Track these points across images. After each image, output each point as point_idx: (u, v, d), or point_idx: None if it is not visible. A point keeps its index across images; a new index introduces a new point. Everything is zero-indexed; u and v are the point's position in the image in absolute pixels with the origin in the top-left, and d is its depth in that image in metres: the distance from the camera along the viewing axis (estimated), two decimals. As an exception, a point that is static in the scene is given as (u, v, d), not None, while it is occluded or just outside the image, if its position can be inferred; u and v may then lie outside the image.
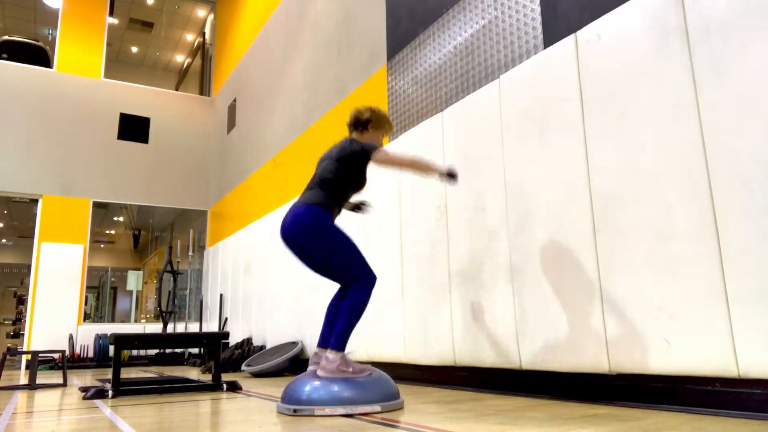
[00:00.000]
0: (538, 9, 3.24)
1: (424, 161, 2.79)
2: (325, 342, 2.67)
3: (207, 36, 12.14)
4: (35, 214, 9.00)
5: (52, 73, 9.53)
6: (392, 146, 4.34)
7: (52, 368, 7.96)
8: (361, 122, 2.94)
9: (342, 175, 2.76)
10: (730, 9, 2.17)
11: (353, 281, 2.67)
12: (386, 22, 4.87)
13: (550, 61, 2.99)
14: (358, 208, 3.12)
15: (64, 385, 4.86)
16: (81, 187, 9.23)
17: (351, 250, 2.69)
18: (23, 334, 8.80)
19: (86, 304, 9.75)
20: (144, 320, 14.69)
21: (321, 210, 2.67)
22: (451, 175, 2.75)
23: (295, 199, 2.86)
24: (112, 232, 17.08)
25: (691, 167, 2.24)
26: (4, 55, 9.48)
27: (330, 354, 2.56)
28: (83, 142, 9.39)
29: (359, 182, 2.83)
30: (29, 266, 9.08)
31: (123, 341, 3.87)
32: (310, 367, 2.66)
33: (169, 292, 8.78)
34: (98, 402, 3.32)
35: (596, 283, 2.59)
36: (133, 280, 12.07)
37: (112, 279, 14.96)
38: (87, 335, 8.68)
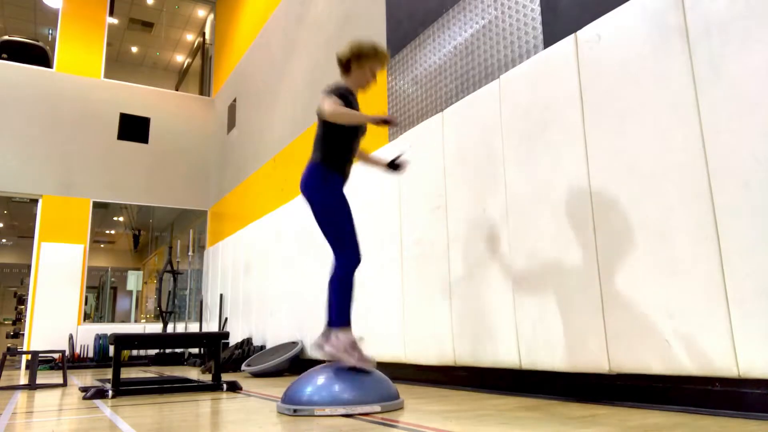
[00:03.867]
0: (538, 9, 3.24)
1: (357, 116, 2.58)
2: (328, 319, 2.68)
3: (207, 36, 12.13)
4: (35, 214, 9.00)
5: (52, 73, 9.53)
6: (392, 146, 4.34)
7: (52, 368, 7.95)
8: (342, 64, 2.85)
9: (325, 130, 2.71)
10: (730, 9, 2.17)
11: (335, 254, 2.63)
12: (386, 23, 4.87)
13: (550, 61, 2.99)
14: (392, 167, 2.92)
15: (64, 385, 4.86)
16: (81, 187, 9.23)
17: (339, 219, 2.62)
18: (23, 334, 8.80)
19: (86, 304, 9.76)
20: (144, 320, 14.69)
21: (318, 165, 2.66)
22: (385, 122, 2.47)
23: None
24: (112, 232, 17.08)
25: (691, 167, 2.24)
26: (4, 55, 9.48)
27: (337, 332, 2.58)
28: (83, 142, 9.39)
29: (344, 130, 2.68)
30: (29, 266, 9.08)
31: (123, 341, 3.87)
32: (317, 339, 2.65)
33: (169, 292, 8.79)
34: (98, 402, 3.32)
35: (596, 283, 2.59)
36: (133, 280, 12.08)
37: (112, 279, 14.96)
38: (87, 335, 8.68)
